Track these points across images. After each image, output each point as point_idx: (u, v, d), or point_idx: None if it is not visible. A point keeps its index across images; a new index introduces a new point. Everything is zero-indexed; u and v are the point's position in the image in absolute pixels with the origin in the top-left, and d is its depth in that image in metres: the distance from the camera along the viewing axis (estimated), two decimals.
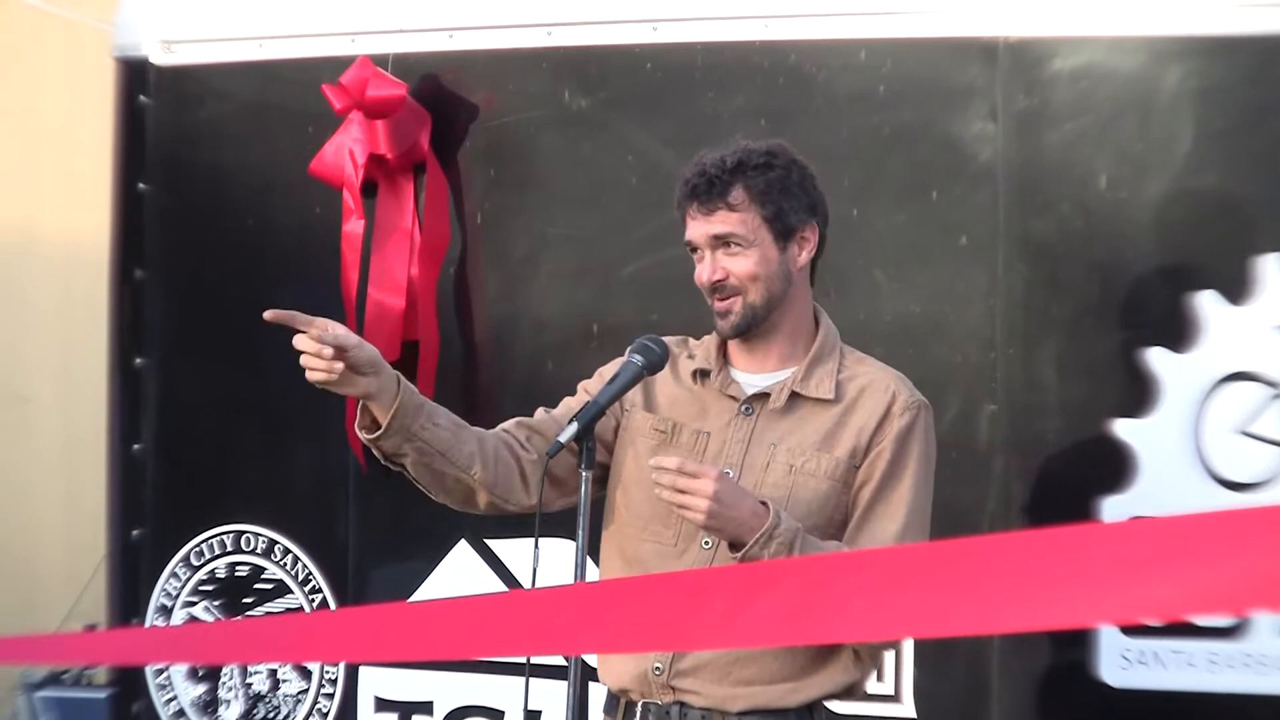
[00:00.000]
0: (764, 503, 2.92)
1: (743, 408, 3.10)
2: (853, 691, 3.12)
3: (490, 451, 3.07)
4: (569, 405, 3.17)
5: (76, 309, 6.65)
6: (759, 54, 4.01)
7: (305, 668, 4.36)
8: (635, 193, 4.09)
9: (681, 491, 2.84)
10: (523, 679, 3.16)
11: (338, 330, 2.91)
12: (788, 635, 2.13)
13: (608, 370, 3.14)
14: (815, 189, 3.12)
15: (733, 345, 3.16)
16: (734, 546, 2.91)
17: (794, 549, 2.89)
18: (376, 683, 4.29)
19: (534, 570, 2.91)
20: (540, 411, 3.23)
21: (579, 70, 4.17)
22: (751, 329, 3.09)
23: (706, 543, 3.01)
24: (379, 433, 2.98)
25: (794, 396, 3.08)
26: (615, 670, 3.12)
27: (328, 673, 4.33)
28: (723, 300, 3.07)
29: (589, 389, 3.16)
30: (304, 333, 2.89)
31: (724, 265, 3.05)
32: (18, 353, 7.19)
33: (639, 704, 3.08)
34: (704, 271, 3.08)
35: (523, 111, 4.22)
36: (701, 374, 3.16)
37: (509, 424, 3.18)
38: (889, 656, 3.81)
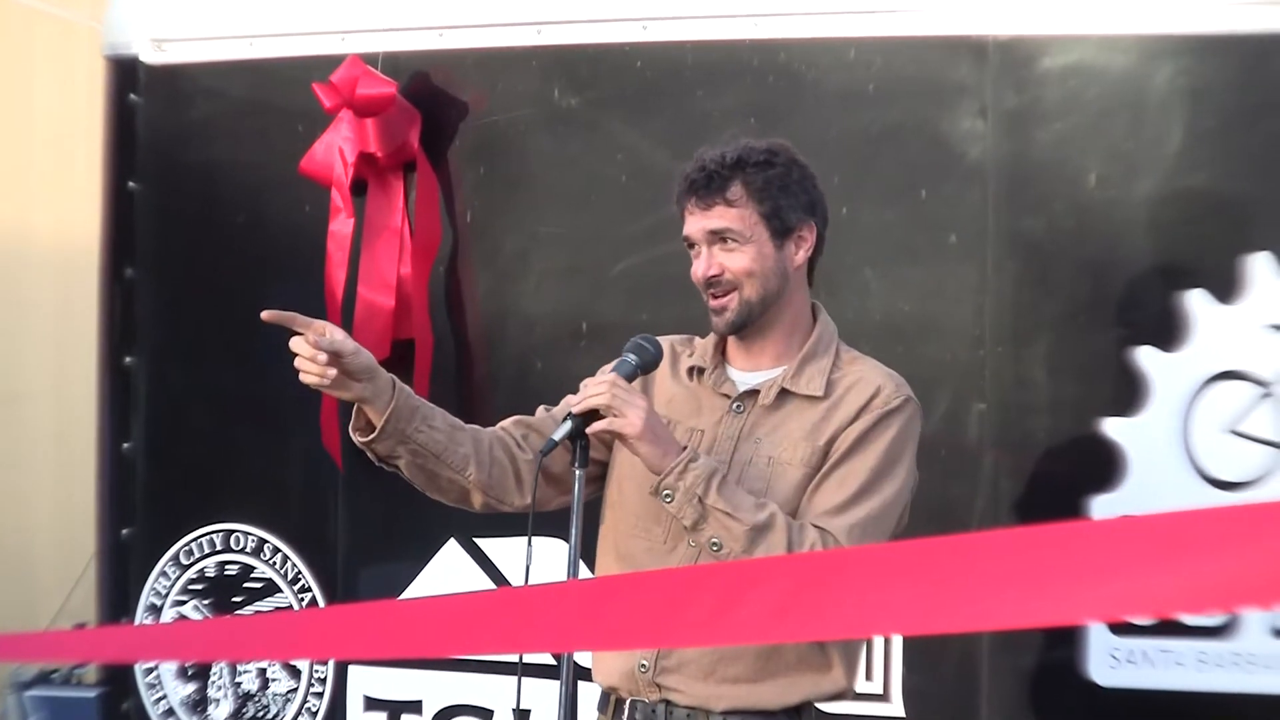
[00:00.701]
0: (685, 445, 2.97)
1: (734, 405, 3.10)
2: (841, 696, 3.11)
3: (485, 452, 3.07)
4: (568, 403, 3.17)
5: (69, 307, 6.62)
6: (748, 52, 4.02)
7: (294, 666, 4.36)
8: (625, 191, 4.09)
9: (622, 400, 2.88)
10: (512, 678, 3.16)
11: (335, 335, 2.90)
12: (777, 632, 2.13)
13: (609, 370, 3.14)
14: (815, 188, 3.11)
15: (730, 343, 3.15)
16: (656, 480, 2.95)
17: (711, 483, 2.89)
18: (366, 682, 4.29)
19: (527, 568, 2.90)
20: (540, 410, 3.23)
21: (569, 69, 4.17)
22: (747, 326, 3.08)
23: (692, 542, 3.00)
24: (372, 436, 2.97)
25: (784, 393, 3.08)
26: (605, 667, 3.12)
27: (317, 671, 4.33)
28: (717, 297, 3.06)
29: None
30: (301, 334, 2.88)
31: (720, 260, 3.04)
32: (10, 350, 7.16)
33: (627, 701, 3.08)
34: (699, 267, 3.07)
35: (512, 110, 4.22)
36: (697, 371, 3.16)
37: (508, 422, 3.18)
38: (879, 655, 3.81)
